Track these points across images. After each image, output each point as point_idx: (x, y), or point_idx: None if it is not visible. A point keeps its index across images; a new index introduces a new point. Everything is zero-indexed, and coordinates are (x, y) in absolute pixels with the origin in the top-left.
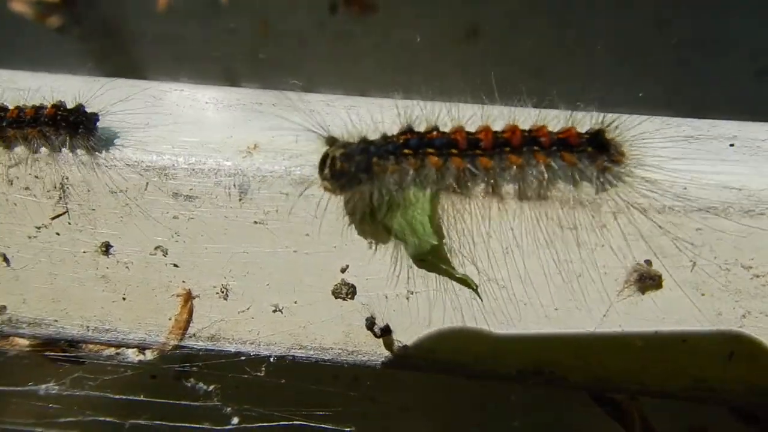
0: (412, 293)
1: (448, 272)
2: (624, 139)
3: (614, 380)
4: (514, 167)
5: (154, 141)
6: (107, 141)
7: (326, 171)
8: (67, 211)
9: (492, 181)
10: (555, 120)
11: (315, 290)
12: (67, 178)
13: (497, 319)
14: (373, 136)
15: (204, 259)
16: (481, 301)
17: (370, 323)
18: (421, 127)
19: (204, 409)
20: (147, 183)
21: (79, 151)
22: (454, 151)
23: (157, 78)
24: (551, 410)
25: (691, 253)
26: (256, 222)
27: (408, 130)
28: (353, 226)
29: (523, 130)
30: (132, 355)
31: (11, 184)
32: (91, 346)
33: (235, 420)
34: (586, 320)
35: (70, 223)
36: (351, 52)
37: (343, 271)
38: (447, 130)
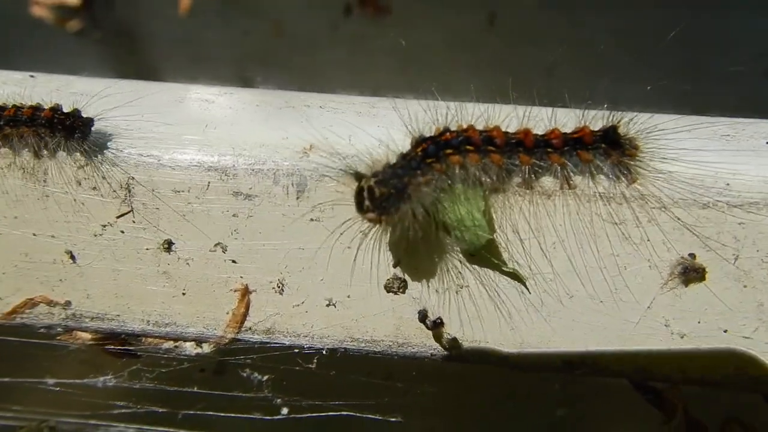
0: (462, 287)
1: (498, 266)
2: (639, 134)
3: (656, 370)
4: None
5: (215, 143)
6: (168, 142)
7: (366, 203)
8: (131, 210)
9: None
10: (566, 118)
11: (367, 285)
12: (133, 179)
13: (544, 311)
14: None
15: (261, 256)
16: (530, 293)
17: (423, 316)
18: (429, 131)
19: (255, 400)
20: (208, 183)
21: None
22: (470, 147)
23: (174, 80)
24: (592, 399)
25: (734, 247)
26: (312, 219)
27: (421, 140)
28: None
29: (565, 134)
30: (190, 348)
31: (79, 184)
32: (150, 339)
33: (285, 410)
34: (631, 312)
35: (134, 222)
36: (365, 54)
37: (395, 266)
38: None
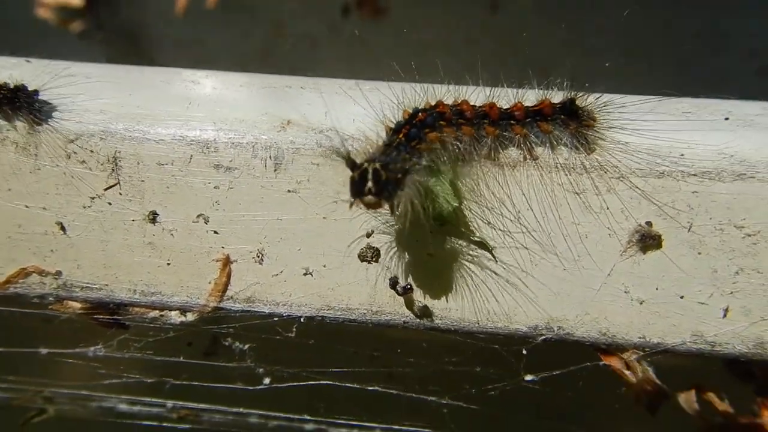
0: (431, 256)
1: (466, 235)
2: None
3: (617, 335)
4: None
5: (197, 118)
6: (154, 118)
7: (369, 186)
8: (118, 183)
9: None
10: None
11: (342, 254)
12: (119, 152)
13: (510, 279)
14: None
15: (241, 227)
16: (496, 262)
17: (393, 282)
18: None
19: (239, 369)
20: (191, 156)
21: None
22: (443, 122)
23: None
24: (561, 366)
25: (688, 215)
26: (289, 191)
27: (398, 126)
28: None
29: (527, 106)
30: (175, 317)
31: (69, 158)
32: (137, 309)
33: (267, 380)
34: (592, 279)
35: (121, 194)
36: (363, 54)
37: (368, 236)
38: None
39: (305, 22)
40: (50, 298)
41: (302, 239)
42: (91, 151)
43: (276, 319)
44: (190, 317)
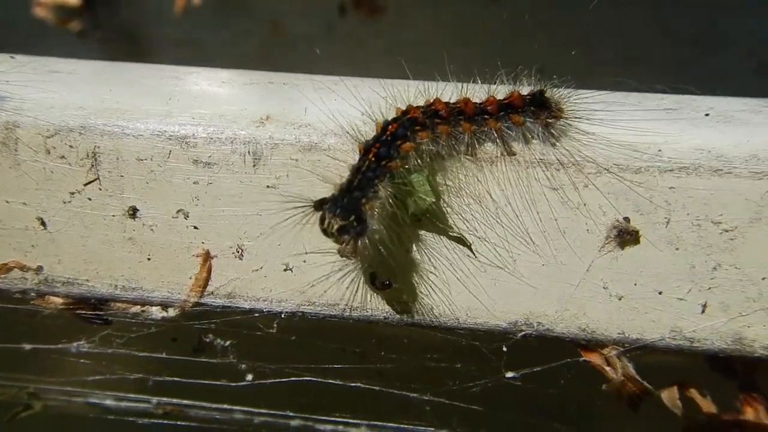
0: (408, 252)
1: (444, 230)
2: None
3: (597, 330)
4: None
5: (176, 113)
6: (133, 113)
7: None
8: (98, 178)
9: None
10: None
11: (322, 250)
12: (98, 147)
13: (489, 275)
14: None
15: (221, 222)
16: (475, 258)
17: (372, 278)
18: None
19: (221, 365)
20: (170, 151)
21: None
22: (438, 120)
23: None
24: (542, 363)
25: (666, 210)
26: (268, 186)
27: (369, 145)
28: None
29: (499, 100)
30: (156, 312)
31: (48, 153)
32: (118, 304)
33: (250, 377)
34: (571, 275)
35: (100, 189)
36: (359, 53)
37: None
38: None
39: (302, 21)
40: (32, 294)
41: (282, 235)
42: (71, 147)
43: (257, 314)
44: (172, 313)
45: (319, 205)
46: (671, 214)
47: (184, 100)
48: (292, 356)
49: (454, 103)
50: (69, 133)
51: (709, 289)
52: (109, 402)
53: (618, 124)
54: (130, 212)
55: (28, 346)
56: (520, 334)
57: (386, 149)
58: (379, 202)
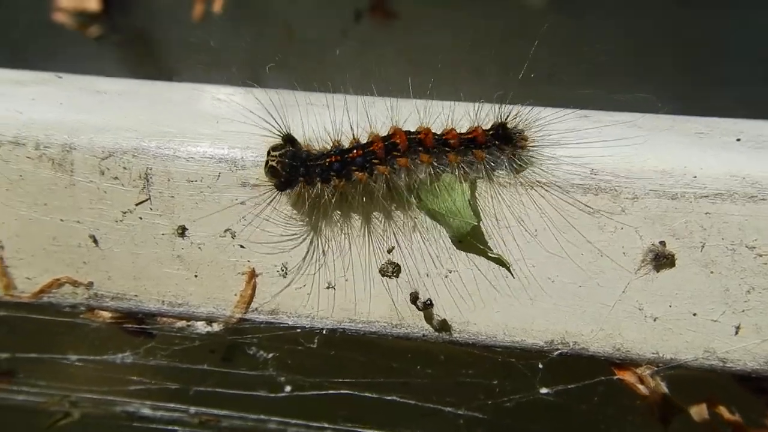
0: (450, 272)
1: (484, 252)
2: (526, 125)
3: (631, 350)
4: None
5: (226, 137)
6: (184, 136)
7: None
8: (149, 198)
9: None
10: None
11: (364, 269)
12: (150, 169)
13: (527, 295)
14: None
15: (267, 241)
16: (513, 278)
17: (414, 297)
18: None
19: (260, 378)
20: (219, 173)
21: None
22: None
23: (188, 82)
24: (575, 380)
25: (701, 236)
26: (314, 208)
27: (331, 152)
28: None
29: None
30: (201, 327)
31: (102, 174)
32: (164, 319)
33: (288, 388)
34: (607, 296)
35: (151, 209)
36: (375, 58)
37: (389, 251)
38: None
39: (318, 27)
40: (81, 308)
41: (325, 254)
42: (124, 168)
43: (299, 330)
44: (216, 327)
45: (286, 141)
46: (706, 239)
47: (231, 123)
48: (330, 370)
49: (414, 133)
50: (123, 155)
51: (743, 311)
52: (146, 410)
53: (651, 149)
54: (180, 231)
55: (74, 357)
56: (556, 353)
57: (339, 165)
58: (314, 193)
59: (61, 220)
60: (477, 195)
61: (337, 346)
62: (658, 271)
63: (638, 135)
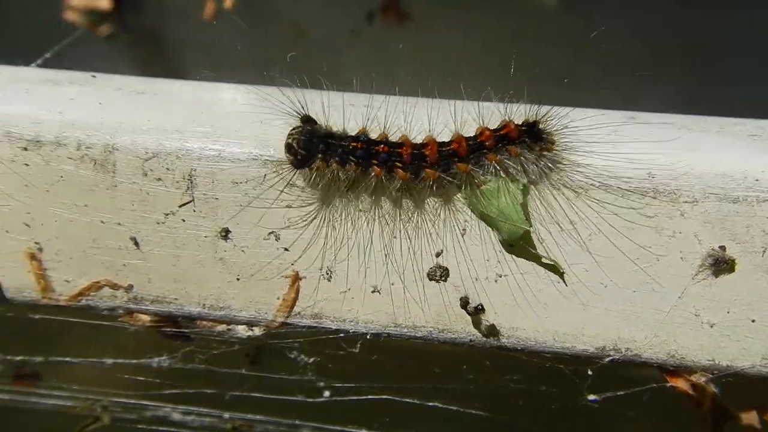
0: (500, 276)
1: (536, 257)
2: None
3: (686, 357)
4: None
5: (271, 137)
6: (228, 137)
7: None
8: (192, 200)
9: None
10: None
11: (411, 273)
12: (194, 170)
13: (578, 300)
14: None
15: (312, 244)
16: (565, 285)
17: (464, 302)
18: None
19: (298, 382)
20: (264, 175)
21: None
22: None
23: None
24: (625, 387)
25: (763, 240)
26: (360, 210)
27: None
28: None
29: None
30: (242, 331)
31: (145, 175)
32: (204, 322)
33: (327, 393)
34: (662, 301)
35: (194, 211)
36: (386, 59)
37: (437, 255)
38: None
39: (329, 27)
40: (120, 311)
41: (371, 257)
42: (168, 169)
43: (342, 335)
44: (257, 332)
45: (304, 121)
46: None
47: (275, 124)
48: (371, 375)
49: (447, 143)
50: (167, 156)
51: None
52: (176, 416)
53: (708, 152)
54: (223, 234)
55: (109, 361)
56: (607, 359)
57: (364, 153)
58: (329, 173)
59: (102, 221)
60: (530, 198)
61: (379, 351)
62: (716, 277)
63: (691, 137)
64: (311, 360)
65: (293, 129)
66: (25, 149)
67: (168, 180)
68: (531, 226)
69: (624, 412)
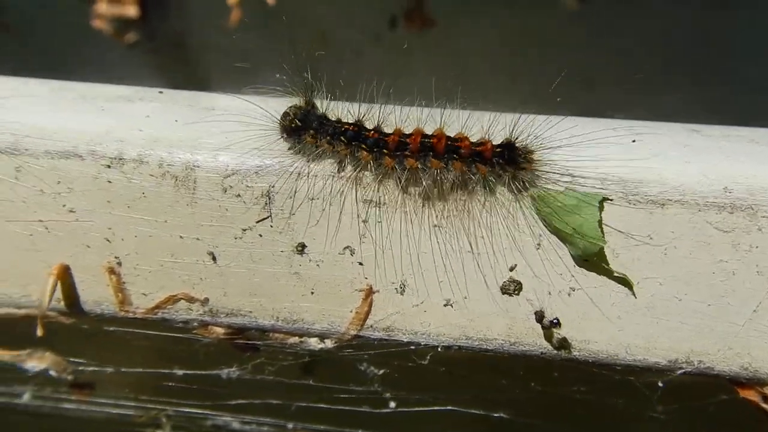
0: (573, 290)
1: (609, 271)
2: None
3: (760, 369)
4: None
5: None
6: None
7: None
8: (270, 216)
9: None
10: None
11: (485, 286)
12: (273, 187)
13: (651, 313)
14: None
15: (386, 259)
16: (636, 298)
17: (540, 316)
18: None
19: (365, 393)
20: (342, 191)
21: None
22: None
23: (222, 89)
24: (695, 399)
25: None
26: (434, 225)
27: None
28: None
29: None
30: (314, 343)
31: (225, 191)
32: (277, 335)
33: (392, 404)
34: (737, 315)
35: (272, 226)
36: (408, 66)
37: (511, 269)
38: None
39: (352, 34)
40: (195, 324)
41: (444, 272)
42: (247, 186)
43: (413, 347)
44: (329, 344)
45: (307, 104)
46: None
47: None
48: (438, 386)
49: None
50: (246, 173)
51: None
52: (236, 425)
53: None
54: (299, 248)
55: (179, 372)
56: (678, 372)
57: (354, 134)
58: (320, 150)
59: (181, 236)
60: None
61: (447, 363)
62: None
63: (761, 150)
64: (381, 372)
65: (295, 104)
66: (109, 167)
67: (247, 196)
68: (606, 242)
69: (691, 424)
